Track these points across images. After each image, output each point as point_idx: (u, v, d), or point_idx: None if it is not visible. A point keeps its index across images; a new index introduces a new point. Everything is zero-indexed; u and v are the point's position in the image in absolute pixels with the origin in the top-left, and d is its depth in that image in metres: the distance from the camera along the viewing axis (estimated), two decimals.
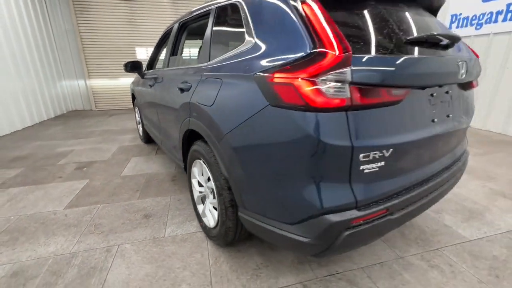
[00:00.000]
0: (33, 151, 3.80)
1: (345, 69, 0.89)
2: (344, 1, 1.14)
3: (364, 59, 0.95)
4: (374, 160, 1.01)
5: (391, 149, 1.03)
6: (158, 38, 3.49)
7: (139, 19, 7.06)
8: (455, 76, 1.21)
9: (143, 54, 7.38)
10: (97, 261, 1.63)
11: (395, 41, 1.10)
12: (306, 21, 1.00)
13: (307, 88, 0.91)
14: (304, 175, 1.01)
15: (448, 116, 1.33)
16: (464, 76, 1.26)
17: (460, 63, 1.22)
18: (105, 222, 2.04)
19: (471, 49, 1.66)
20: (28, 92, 5.50)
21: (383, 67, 0.99)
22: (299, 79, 0.92)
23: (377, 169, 1.04)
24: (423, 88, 1.14)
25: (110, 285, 1.45)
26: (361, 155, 0.97)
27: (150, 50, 7.36)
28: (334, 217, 1.01)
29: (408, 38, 1.10)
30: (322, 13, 0.99)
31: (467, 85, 1.48)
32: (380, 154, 1.01)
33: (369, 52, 1.02)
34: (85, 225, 2.00)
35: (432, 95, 1.21)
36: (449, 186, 1.51)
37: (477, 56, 1.64)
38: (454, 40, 1.24)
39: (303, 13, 1.03)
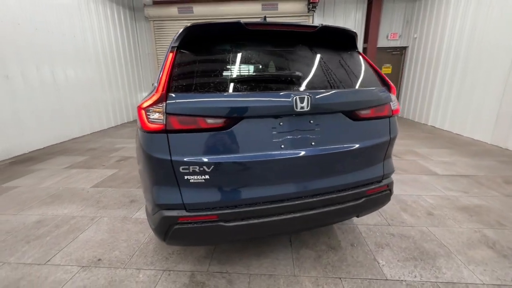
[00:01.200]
0: (101, 145, 5.19)
1: (161, 104, 1.23)
2: (201, 49, 1.45)
3: (179, 96, 1.25)
4: (196, 173, 1.27)
5: (212, 166, 1.27)
6: None
7: None
8: (291, 108, 1.31)
9: None
10: (82, 224, 2.34)
11: (229, 80, 1.34)
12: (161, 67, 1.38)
13: (143, 115, 1.28)
14: (150, 179, 1.37)
15: (313, 143, 1.41)
16: (306, 108, 1.33)
17: (297, 98, 1.32)
18: (105, 200, 2.80)
19: (386, 80, 1.61)
20: (116, 101, 7.37)
21: (196, 102, 1.26)
22: (141, 109, 1.30)
23: (202, 180, 1.29)
24: (261, 117, 1.32)
25: (78, 240, 2.10)
26: (180, 167, 1.26)
27: None
28: (167, 212, 1.32)
29: (234, 78, 1.31)
30: (170, 59, 1.35)
31: (354, 115, 1.49)
32: (201, 169, 1.27)
33: (189, 90, 1.30)
34: (92, 200, 2.80)
35: (280, 124, 1.35)
36: (333, 215, 1.52)
37: (392, 87, 1.59)
38: (294, 77, 1.40)
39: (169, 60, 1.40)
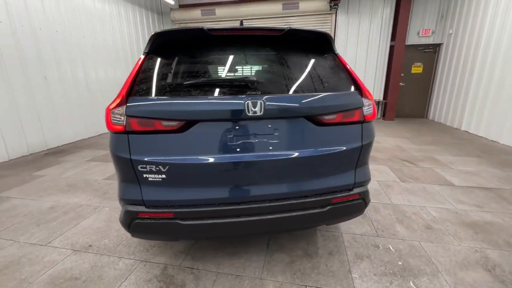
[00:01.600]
0: None
1: (121, 107, 1.32)
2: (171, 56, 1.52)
3: (138, 100, 1.33)
4: (154, 172, 1.35)
5: (167, 166, 1.33)
6: None
7: None
8: (243, 113, 1.31)
9: None
10: (85, 212, 2.58)
11: (185, 84, 1.39)
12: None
13: (108, 116, 1.39)
14: (118, 175, 1.48)
15: (271, 147, 1.40)
16: (259, 113, 1.32)
17: (249, 102, 1.31)
18: (111, 192, 3.05)
19: (359, 84, 1.53)
20: None
21: (153, 105, 1.33)
22: (108, 110, 1.41)
23: (159, 179, 1.37)
24: (216, 120, 1.35)
25: (78, 227, 2.33)
26: (139, 166, 1.34)
27: None
28: (129, 207, 1.42)
29: (190, 82, 1.35)
30: (139, 65, 1.44)
31: (318, 120, 1.44)
32: (157, 168, 1.34)
33: (149, 94, 1.37)
34: (101, 191, 3.07)
35: (236, 127, 1.37)
36: (293, 222, 1.50)
37: (364, 91, 1.51)
38: (249, 82, 1.40)
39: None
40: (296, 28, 1.51)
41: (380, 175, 3.45)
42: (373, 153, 4.45)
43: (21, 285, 1.67)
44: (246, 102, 1.30)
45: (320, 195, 1.52)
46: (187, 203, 1.41)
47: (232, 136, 1.37)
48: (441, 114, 7.21)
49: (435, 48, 7.50)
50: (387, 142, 5.20)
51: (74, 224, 2.38)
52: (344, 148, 1.49)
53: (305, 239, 2.11)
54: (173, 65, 1.49)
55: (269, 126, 1.39)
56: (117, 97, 1.36)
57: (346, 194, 1.55)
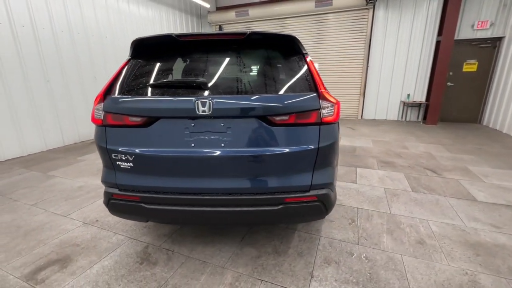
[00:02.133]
0: None
1: (101, 104, 1.56)
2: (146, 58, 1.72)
3: (112, 98, 1.55)
4: (123, 160, 1.57)
5: (133, 156, 1.54)
6: None
7: None
8: (193, 112, 1.42)
9: None
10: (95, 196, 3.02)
11: (150, 85, 1.55)
12: None
13: (93, 111, 1.65)
14: (102, 161, 1.74)
15: (223, 144, 1.50)
16: (208, 112, 1.41)
17: (199, 101, 1.42)
18: None
19: (318, 86, 1.52)
20: None
21: (122, 102, 1.54)
22: (94, 106, 1.67)
23: (128, 167, 1.58)
24: (174, 117, 1.49)
25: (94, 204, 2.75)
26: (112, 154, 1.58)
27: None
28: (107, 189, 1.68)
29: (150, 83, 1.50)
30: (120, 68, 1.67)
31: (270, 120, 1.48)
32: (125, 157, 1.55)
33: (122, 93, 1.57)
34: None
35: (192, 125, 1.50)
36: (246, 216, 1.57)
37: (323, 93, 1.50)
38: (200, 83, 1.50)
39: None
40: (258, 31, 1.57)
41: (391, 182, 3.21)
42: (392, 158, 4.13)
43: (38, 244, 2.09)
44: (196, 102, 1.43)
45: (272, 193, 1.56)
46: (150, 190, 1.60)
47: (188, 132, 1.51)
48: (498, 119, 6.21)
49: (495, 42, 6.46)
50: (417, 148, 4.74)
51: (92, 202, 2.82)
52: (298, 149, 1.51)
53: (280, 237, 2.14)
54: (145, 68, 1.69)
55: (222, 124, 1.49)
56: (98, 95, 1.62)
57: (301, 195, 1.56)
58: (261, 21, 8.41)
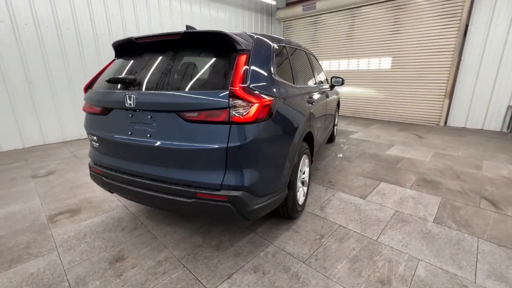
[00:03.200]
0: None
1: (84, 95, 2.00)
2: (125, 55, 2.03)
3: (89, 91, 1.94)
4: (93, 140, 1.97)
5: (95, 137, 1.91)
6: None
7: (320, 34, 8.25)
8: (122, 104, 1.61)
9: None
10: None
11: (107, 81, 1.82)
12: None
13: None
14: None
15: (149, 135, 1.67)
16: (133, 105, 1.57)
17: (126, 95, 1.59)
18: None
19: (234, 84, 1.45)
20: None
21: (90, 94, 1.92)
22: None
23: (96, 146, 1.97)
24: (120, 109, 1.75)
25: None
26: (89, 135, 2.00)
27: (327, 64, 8.37)
28: (89, 162, 2.15)
29: (107, 79, 1.77)
30: (103, 67, 2.06)
31: (185, 116, 1.53)
32: (94, 138, 1.94)
33: (96, 88, 1.94)
34: None
35: (130, 115, 1.73)
36: (163, 202, 1.70)
37: (237, 92, 1.44)
38: (129, 80, 1.71)
39: None
40: (191, 30, 1.62)
41: (412, 206, 2.58)
42: (443, 178, 3.25)
43: (71, 197, 2.85)
44: (125, 96, 1.64)
45: (186, 186, 1.62)
46: (106, 166, 1.96)
47: (128, 122, 1.75)
48: None
49: None
50: (497, 170, 3.51)
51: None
52: (206, 146, 1.51)
53: (233, 235, 2.15)
54: (118, 66, 2.01)
55: (149, 117, 1.66)
56: (84, 88, 2.07)
57: (211, 192, 1.56)
58: (329, 13, 7.87)
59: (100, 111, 1.89)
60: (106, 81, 1.77)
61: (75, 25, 5.08)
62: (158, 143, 1.64)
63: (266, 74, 1.76)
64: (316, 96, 2.82)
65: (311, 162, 2.72)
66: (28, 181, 3.29)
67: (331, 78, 4.04)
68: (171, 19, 6.62)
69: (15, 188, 3.10)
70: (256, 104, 1.49)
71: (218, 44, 1.67)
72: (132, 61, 1.94)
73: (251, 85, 1.54)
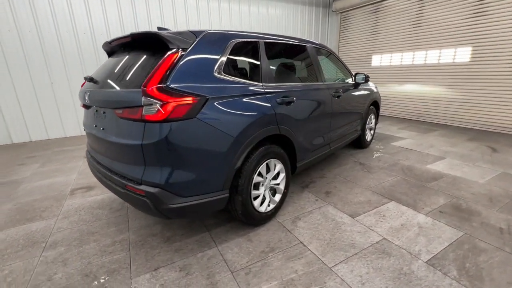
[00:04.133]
0: None
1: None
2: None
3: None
4: (84, 130, 2.34)
5: (84, 129, 2.26)
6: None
7: (382, 27, 7.18)
8: (84, 101, 1.83)
9: (376, 61, 7.55)
10: None
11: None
12: None
13: None
14: None
15: (102, 128, 1.87)
16: (88, 102, 1.78)
17: (85, 93, 1.80)
18: None
19: (148, 83, 1.49)
20: None
21: (79, 93, 2.24)
22: None
23: (86, 135, 2.34)
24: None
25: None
26: (82, 127, 2.39)
27: (386, 59, 7.28)
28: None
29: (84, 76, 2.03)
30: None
31: (116, 113, 1.66)
32: (84, 129, 2.31)
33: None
34: None
35: (96, 110, 1.97)
36: (113, 189, 1.88)
37: (149, 91, 1.48)
38: (89, 79, 1.94)
39: None
40: (135, 32, 1.72)
41: (412, 236, 2.04)
42: (488, 208, 2.46)
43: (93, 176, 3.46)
44: (84, 94, 1.89)
45: (121, 177, 1.75)
46: (89, 154, 2.30)
47: (94, 116, 2.01)
48: None
49: None
50: None
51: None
52: (125, 142, 1.62)
53: (188, 230, 2.20)
54: (101, 66, 2.31)
55: (103, 112, 1.86)
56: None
57: (134, 186, 1.64)
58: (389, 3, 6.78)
59: (83, 106, 2.24)
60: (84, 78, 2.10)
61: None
62: (107, 136, 1.83)
63: (202, 72, 1.71)
64: (305, 95, 2.54)
65: (291, 168, 2.49)
66: (80, 160, 4.14)
67: (355, 74, 3.53)
68: (230, 21, 6.98)
69: (70, 164, 3.96)
70: (171, 103, 1.49)
71: (157, 44, 1.72)
72: (108, 61, 2.20)
73: (172, 84, 1.54)
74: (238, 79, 1.95)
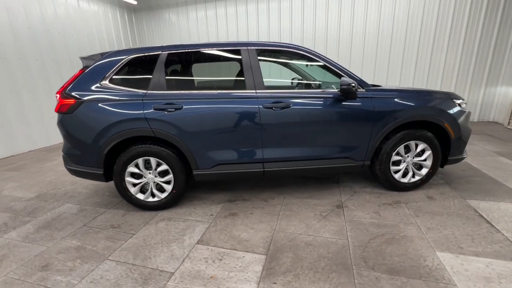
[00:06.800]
0: None
1: None
2: None
3: None
4: None
5: None
6: None
7: None
8: None
9: None
10: None
11: None
12: None
13: None
14: None
15: None
16: None
17: None
18: None
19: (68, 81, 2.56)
20: None
21: None
22: None
23: None
24: None
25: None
26: None
27: None
28: None
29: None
30: None
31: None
32: None
33: None
34: None
35: None
36: None
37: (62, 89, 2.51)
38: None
39: None
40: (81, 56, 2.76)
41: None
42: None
43: None
44: None
45: None
46: None
47: None
48: None
49: None
50: None
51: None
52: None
53: (136, 219, 2.86)
54: None
55: None
56: None
57: None
58: None
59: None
60: None
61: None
62: None
63: (91, 82, 2.48)
64: (202, 103, 2.58)
65: (185, 172, 2.74)
66: None
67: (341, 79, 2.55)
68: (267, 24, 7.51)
69: None
70: (61, 103, 2.55)
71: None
72: None
73: (69, 91, 2.45)
74: (120, 87, 2.50)
